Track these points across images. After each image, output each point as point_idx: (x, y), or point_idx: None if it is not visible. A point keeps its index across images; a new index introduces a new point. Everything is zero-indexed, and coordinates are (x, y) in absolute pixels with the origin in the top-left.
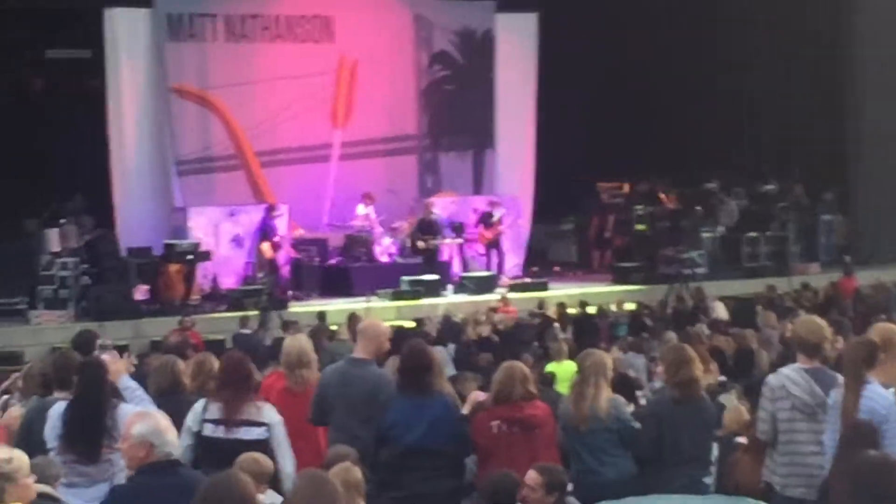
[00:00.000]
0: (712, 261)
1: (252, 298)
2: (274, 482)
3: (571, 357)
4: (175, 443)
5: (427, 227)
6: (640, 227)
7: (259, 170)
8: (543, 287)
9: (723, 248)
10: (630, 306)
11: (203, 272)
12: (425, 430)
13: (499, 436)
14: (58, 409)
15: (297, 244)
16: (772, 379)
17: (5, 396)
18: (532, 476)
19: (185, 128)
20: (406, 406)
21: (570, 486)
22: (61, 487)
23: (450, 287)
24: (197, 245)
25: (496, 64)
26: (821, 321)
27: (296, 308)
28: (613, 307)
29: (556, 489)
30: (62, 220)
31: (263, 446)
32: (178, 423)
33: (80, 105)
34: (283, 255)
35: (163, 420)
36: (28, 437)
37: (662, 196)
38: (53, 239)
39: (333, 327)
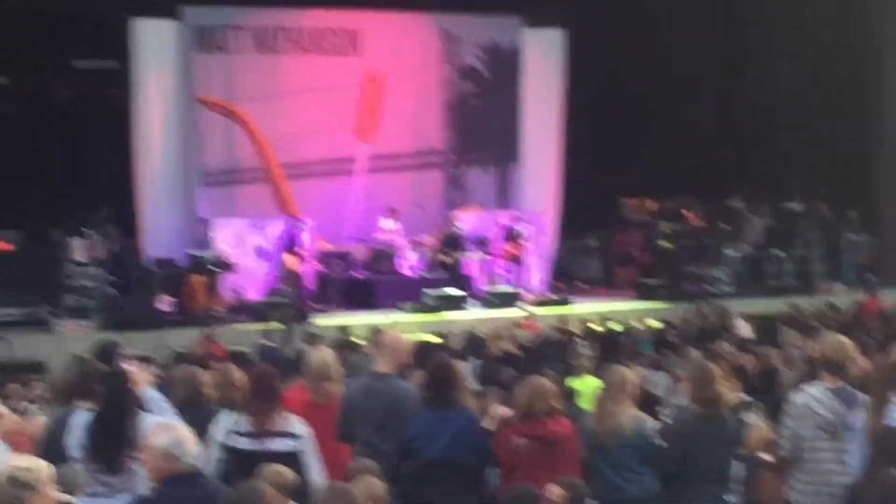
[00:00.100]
0: (736, 279)
1: (276, 310)
2: (302, 495)
3: (594, 373)
4: (197, 454)
5: (451, 242)
6: (664, 244)
7: (284, 182)
8: (567, 303)
9: (747, 267)
10: (654, 323)
11: (227, 284)
12: (448, 442)
13: (522, 451)
14: (81, 418)
15: (322, 257)
16: (796, 397)
17: (30, 405)
18: (554, 490)
19: (211, 139)
20: (429, 419)
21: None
22: (84, 497)
23: (473, 302)
24: (221, 256)
25: (522, 79)
26: (846, 340)
27: (319, 321)
28: (637, 324)
29: (577, 503)
30: (87, 230)
31: (295, 458)
32: (199, 433)
33: (107, 115)
34: (308, 268)
35: (185, 431)
36: (51, 447)
37: (687, 213)
38: (78, 249)
39: (357, 340)
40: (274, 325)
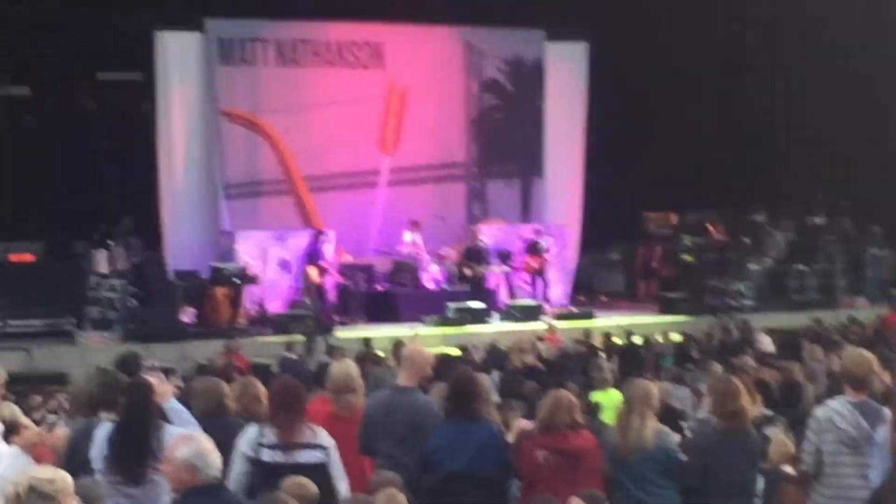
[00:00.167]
0: (759, 293)
1: (298, 323)
2: None
3: (616, 387)
4: (219, 466)
5: (474, 255)
6: (687, 257)
7: (307, 195)
8: (589, 316)
9: (770, 281)
10: (676, 337)
11: (250, 296)
12: (471, 456)
13: (544, 465)
14: (104, 430)
15: (344, 269)
16: (818, 411)
17: (52, 416)
18: (576, 502)
19: (235, 152)
20: (451, 432)
21: None
22: None
23: (496, 315)
24: (244, 269)
25: (545, 93)
26: (869, 355)
27: (342, 333)
28: (659, 338)
29: None
30: (111, 242)
31: (322, 470)
32: (221, 445)
33: (131, 127)
34: (330, 281)
35: (207, 443)
36: (74, 458)
37: (710, 227)
38: (102, 260)
39: (380, 353)
40: (296, 337)
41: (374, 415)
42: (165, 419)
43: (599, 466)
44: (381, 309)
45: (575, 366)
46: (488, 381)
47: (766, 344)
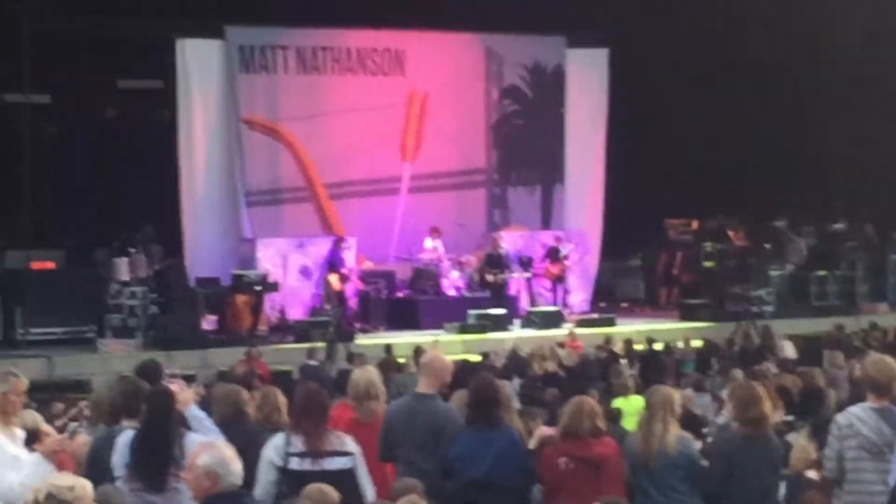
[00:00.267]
0: (780, 299)
1: (319, 330)
2: None
3: (637, 393)
4: (240, 473)
5: (495, 261)
6: (708, 264)
7: (328, 202)
8: (610, 323)
9: (791, 287)
10: (697, 343)
11: (270, 303)
12: (491, 463)
13: (566, 472)
14: (126, 437)
15: (365, 276)
16: (840, 417)
17: (73, 424)
18: None
19: (255, 159)
20: (472, 439)
21: None
22: None
23: (517, 321)
24: (265, 276)
25: (566, 99)
26: (891, 361)
27: (362, 340)
28: (680, 344)
29: None
30: (132, 250)
31: (350, 476)
32: (241, 452)
33: (151, 135)
34: (351, 288)
35: (228, 450)
36: (96, 466)
37: (731, 233)
38: (123, 268)
39: (401, 360)
40: (317, 344)
41: (395, 422)
42: (187, 426)
43: (621, 473)
44: (402, 316)
45: (596, 372)
46: (509, 388)
47: (788, 350)
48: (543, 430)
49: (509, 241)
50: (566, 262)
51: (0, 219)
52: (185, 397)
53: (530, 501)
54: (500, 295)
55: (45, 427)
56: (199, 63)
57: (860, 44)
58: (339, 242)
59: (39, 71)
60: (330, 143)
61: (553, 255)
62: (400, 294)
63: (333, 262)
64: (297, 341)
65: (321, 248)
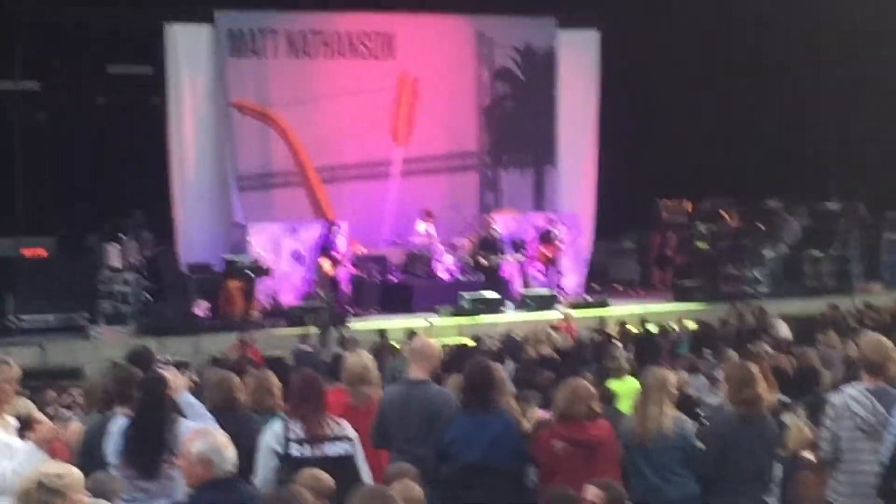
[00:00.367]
0: (774, 280)
1: (312, 315)
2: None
3: (632, 375)
4: (234, 460)
5: (488, 245)
6: (701, 245)
7: (319, 186)
8: (604, 304)
9: (785, 267)
10: (691, 325)
11: (263, 288)
12: (486, 447)
13: (561, 455)
14: (119, 424)
15: (357, 261)
16: (835, 398)
17: (66, 412)
18: (592, 491)
19: (246, 144)
20: (467, 423)
21: None
22: (121, 503)
23: (510, 304)
24: (257, 261)
25: (558, 81)
26: (885, 340)
27: (356, 325)
28: (674, 325)
29: (616, 503)
30: (123, 236)
31: (350, 461)
32: (233, 439)
33: (141, 121)
34: (343, 272)
35: (222, 437)
36: (89, 453)
37: (724, 214)
38: (114, 254)
39: (395, 344)
40: (310, 329)
41: (389, 410)
42: (180, 413)
43: (617, 455)
44: (395, 300)
45: (590, 355)
46: (504, 372)
47: (783, 330)
48: (538, 414)
49: (502, 223)
50: (559, 245)
51: None
52: (178, 384)
53: (525, 484)
54: (493, 278)
55: (38, 415)
56: (188, 48)
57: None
58: (331, 227)
59: (29, 58)
60: (321, 128)
61: (546, 237)
62: (393, 278)
63: (325, 247)
64: (289, 326)
65: (313, 232)
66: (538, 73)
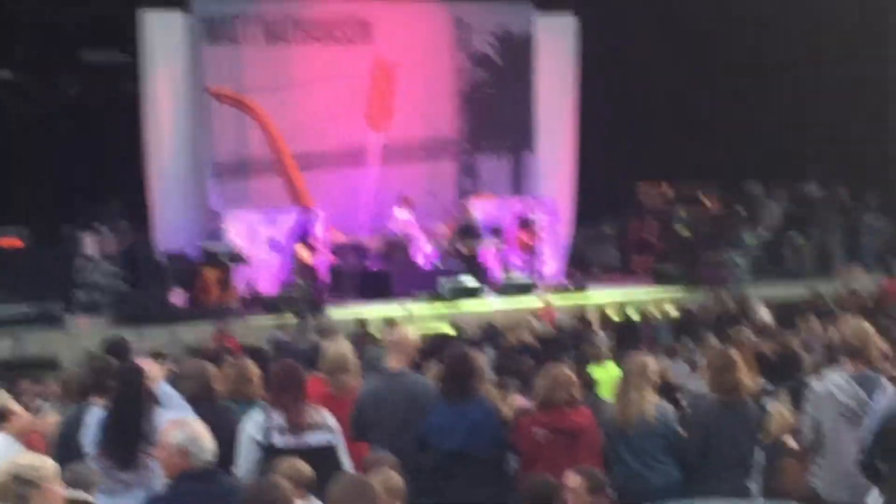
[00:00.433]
0: (754, 264)
1: (289, 303)
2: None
3: (612, 361)
4: (213, 450)
5: (467, 231)
6: (681, 230)
7: (297, 173)
8: (584, 290)
9: (765, 251)
10: (671, 310)
11: (240, 276)
12: (466, 435)
13: (542, 442)
14: (95, 415)
15: (335, 248)
16: (816, 384)
17: (43, 403)
18: (573, 478)
19: (222, 131)
20: (446, 411)
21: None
22: (99, 494)
23: (489, 291)
24: (234, 249)
25: (535, 66)
26: (866, 325)
27: (334, 313)
28: (655, 311)
29: (597, 490)
30: (98, 225)
31: (331, 450)
32: (209, 429)
33: (116, 108)
34: (321, 260)
35: (200, 428)
36: (66, 444)
37: (704, 199)
38: (90, 244)
39: (375, 332)
40: (288, 318)
41: (367, 402)
42: (157, 403)
43: (598, 442)
44: (374, 287)
45: (570, 341)
46: (483, 359)
47: (764, 315)
48: (518, 401)
49: (480, 210)
50: (537, 231)
51: None
52: (155, 374)
53: (506, 472)
54: (472, 264)
55: (14, 406)
56: (163, 35)
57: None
58: (308, 214)
59: (1, 46)
60: (298, 114)
61: (524, 223)
62: (371, 265)
63: (303, 235)
64: (267, 315)
65: (290, 220)
66: (516, 58)
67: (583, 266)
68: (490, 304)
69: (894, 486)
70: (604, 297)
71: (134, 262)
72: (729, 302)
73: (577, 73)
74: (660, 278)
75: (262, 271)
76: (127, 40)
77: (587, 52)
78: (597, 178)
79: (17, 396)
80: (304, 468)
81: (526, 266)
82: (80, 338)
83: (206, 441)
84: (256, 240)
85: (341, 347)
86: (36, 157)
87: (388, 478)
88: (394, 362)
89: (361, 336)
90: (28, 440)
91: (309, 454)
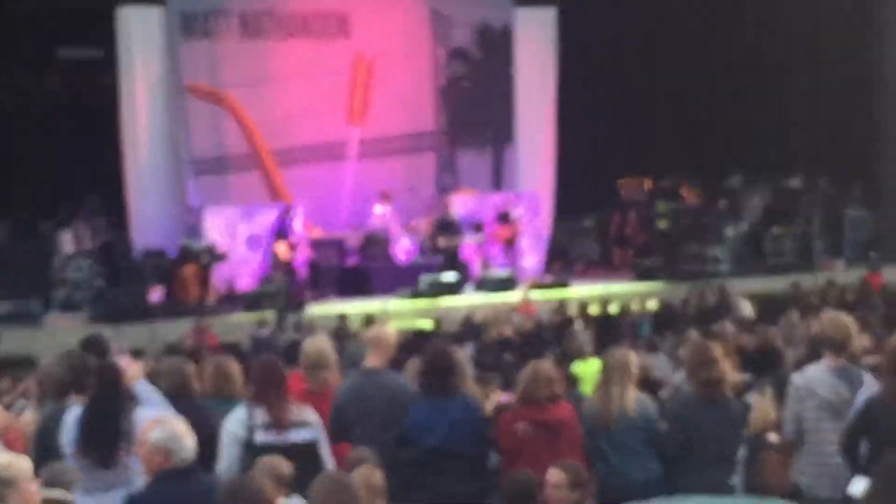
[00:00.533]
0: (735, 258)
1: (268, 300)
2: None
3: (594, 356)
4: (193, 448)
5: (446, 226)
6: (661, 223)
7: (275, 169)
8: (565, 285)
9: (746, 245)
10: (652, 304)
11: (219, 273)
12: (447, 431)
13: (524, 437)
14: (74, 413)
15: (314, 244)
16: (797, 378)
17: (21, 401)
18: (555, 473)
19: (200, 127)
20: (427, 407)
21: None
22: (78, 493)
23: (470, 286)
24: (212, 246)
25: (515, 59)
26: (846, 318)
27: (314, 309)
28: (636, 305)
29: (579, 485)
30: (76, 222)
31: (313, 447)
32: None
33: (93, 105)
34: (300, 256)
35: (180, 426)
36: (44, 443)
37: (685, 193)
38: (67, 241)
39: (354, 329)
40: (267, 314)
41: (346, 402)
42: (136, 401)
43: (580, 438)
44: (353, 283)
45: (551, 336)
46: (464, 355)
47: (746, 309)
48: (500, 397)
49: (460, 204)
50: (517, 225)
51: None
52: (133, 372)
53: (487, 468)
54: (452, 260)
55: None
56: (139, 30)
57: None
58: (287, 210)
59: None
60: (275, 110)
61: (503, 218)
62: (350, 261)
63: (281, 231)
64: (246, 311)
65: (269, 216)
66: (495, 51)
67: (563, 260)
68: (470, 300)
69: (877, 465)
70: (584, 291)
71: (112, 260)
72: (710, 296)
73: (556, 67)
74: (640, 272)
75: (241, 268)
76: (104, 35)
77: (567, 45)
78: (577, 172)
79: None
80: (285, 465)
81: (506, 261)
82: (58, 335)
83: (186, 439)
84: (235, 236)
85: (320, 344)
86: (13, 153)
87: (370, 475)
88: (373, 360)
89: (342, 332)
90: (6, 439)
91: (291, 451)
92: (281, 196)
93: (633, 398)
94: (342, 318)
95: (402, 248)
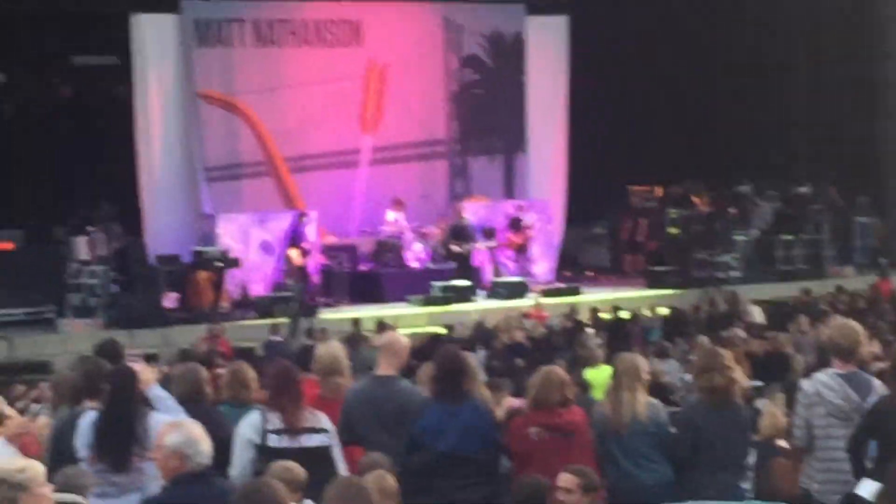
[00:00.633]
0: (746, 264)
1: (281, 305)
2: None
3: (605, 362)
4: (209, 453)
5: (459, 233)
6: (672, 230)
7: (288, 176)
8: (576, 292)
9: (756, 252)
10: (663, 311)
11: (232, 279)
12: (458, 436)
13: (536, 442)
14: (88, 418)
15: (327, 251)
16: (806, 385)
17: (35, 406)
18: (567, 478)
19: (214, 134)
20: (438, 412)
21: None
22: (92, 497)
23: (481, 293)
24: (226, 252)
25: (526, 67)
26: (855, 325)
27: (326, 315)
28: (646, 312)
29: (591, 490)
30: (90, 228)
31: (327, 453)
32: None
33: (108, 112)
34: (313, 262)
35: (196, 430)
36: (59, 447)
37: (695, 199)
38: (82, 247)
39: (367, 335)
40: (280, 320)
41: (354, 406)
42: (150, 406)
43: (591, 442)
44: (366, 289)
45: (562, 342)
46: (475, 360)
47: (756, 315)
48: (511, 402)
49: (472, 211)
50: (528, 232)
51: None
52: (148, 377)
53: (499, 473)
54: (464, 266)
55: (8, 410)
56: (154, 38)
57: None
58: (300, 217)
59: None
60: (289, 117)
61: (515, 224)
62: (363, 267)
63: (295, 237)
64: (259, 317)
65: (282, 222)
66: (507, 59)
67: (574, 267)
68: (482, 306)
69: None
70: (595, 297)
71: (126, 265)
72: (720, 302)
73: (568, 74)
74: (651, 279)
75: (254, 274)
76: (119, 43)
77: (578, 53)
78: (588, 179)
79: (11, 400)
80: (297, 469)
81: (517, 267)
82: (72, 341)
83: (202, 444)
84: (248, 242)
85: (333, 349)
86: (28, 160)
87: (382, 479)
88: (384, 368)
89: (355, 338)
90: (22, 444)
91: (304, 456)
92: (294, 203)
93: (643, 403)
94: (356, 322)
95: (415, 255)
